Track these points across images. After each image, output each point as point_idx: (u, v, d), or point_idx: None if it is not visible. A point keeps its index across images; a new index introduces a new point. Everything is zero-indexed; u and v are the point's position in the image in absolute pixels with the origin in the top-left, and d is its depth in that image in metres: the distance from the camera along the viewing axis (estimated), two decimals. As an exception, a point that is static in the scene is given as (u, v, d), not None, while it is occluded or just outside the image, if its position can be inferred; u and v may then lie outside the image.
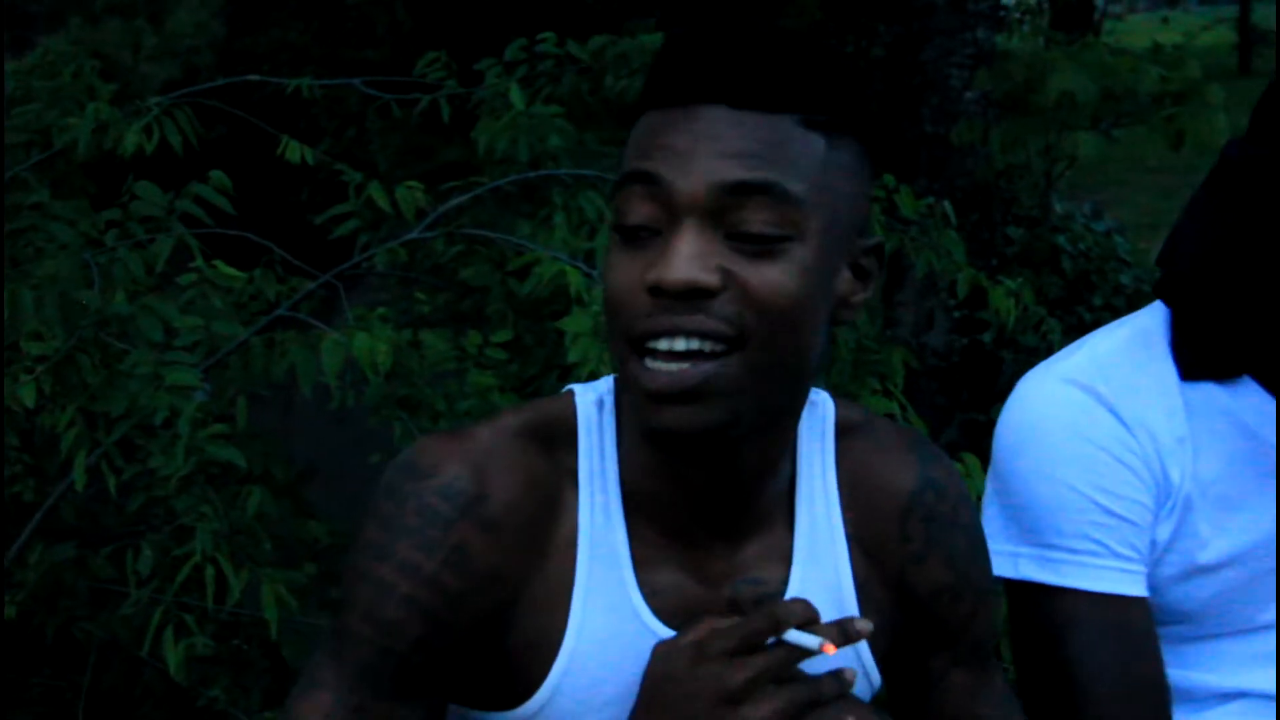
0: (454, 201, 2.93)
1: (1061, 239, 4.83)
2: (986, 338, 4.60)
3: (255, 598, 2.40)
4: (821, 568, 1.17)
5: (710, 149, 1.02)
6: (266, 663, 3.03)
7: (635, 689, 1.09)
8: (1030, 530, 1.39)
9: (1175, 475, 1.38)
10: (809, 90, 1.05)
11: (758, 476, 1.13)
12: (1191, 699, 1.43)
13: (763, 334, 1.02)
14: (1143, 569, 1.38)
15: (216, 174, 2.71)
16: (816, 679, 1.05)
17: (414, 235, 2.81)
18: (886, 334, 4.11)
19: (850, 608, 1.17)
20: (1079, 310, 4.68)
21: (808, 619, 1.04)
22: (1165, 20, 10.45)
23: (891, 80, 5.25)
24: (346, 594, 1.10)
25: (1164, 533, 1.39)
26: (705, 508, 1.12)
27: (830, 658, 1.05)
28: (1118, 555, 1.36)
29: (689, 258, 1.00)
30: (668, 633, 1.11)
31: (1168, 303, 1.42)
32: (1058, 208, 5.03)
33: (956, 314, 4.74)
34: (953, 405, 4.71)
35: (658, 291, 1.01)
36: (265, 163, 3.20)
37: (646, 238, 1.03)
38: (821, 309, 1.06)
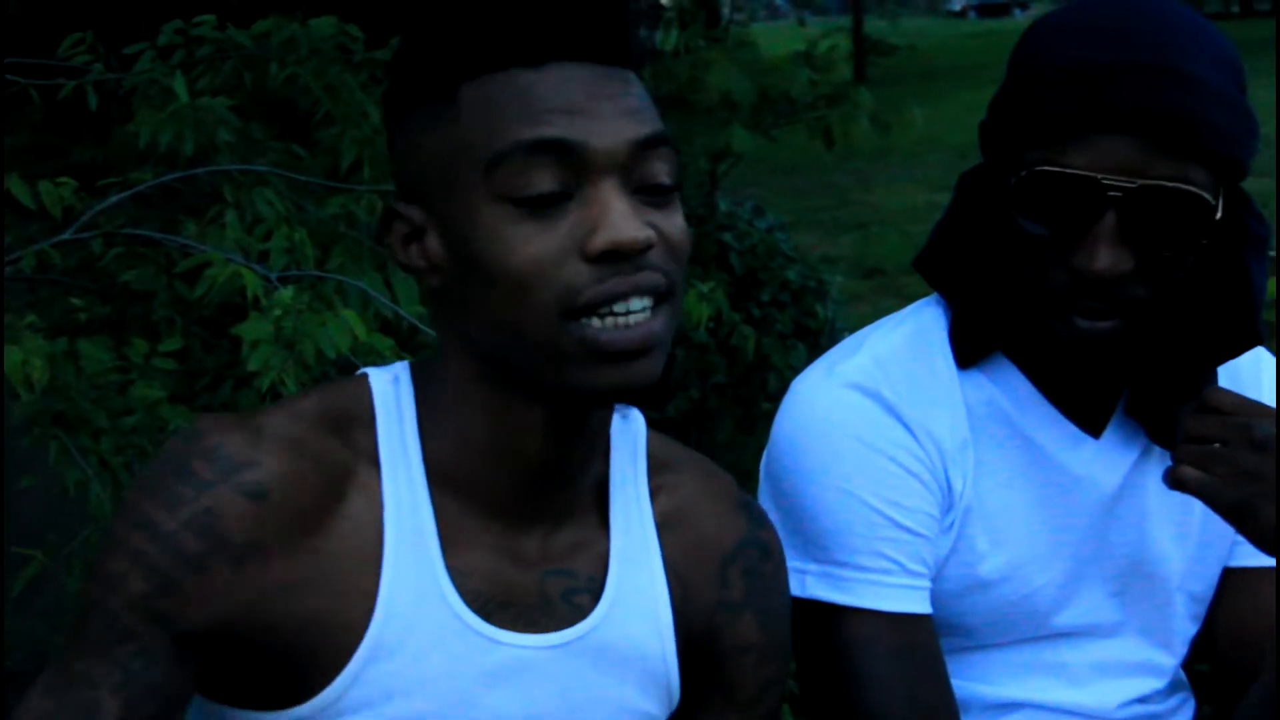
0: (112, 199, 2.66)
1: (728, 236, 4.89)
2: (660, 335, 4.58)
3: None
4: (637, 578, 1.15)
5: (608, 108, 1.02)
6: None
7: (436, 677, 1.07)
8: (818, 546, 1.32)
9: (958, 484, 1.34)
10: (637, 46, 1.07)
11: (589, 450, 1.12)
12: (965, 711, 1.38)
13: (678, 282, 1.05)
14: (929, 585, 1.33)
15: None
16: None
17: (67, 236, 2.53)
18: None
19: (666, 627, 1.15)
20: (748, 306, 4.75)
21: None
22: (802, 23, 10.88)
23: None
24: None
25: (945, 545, 1.34)
26: (531, 485, 1.10)
27: None
28: (909, 572, 1.31)
29: (629, 215, 1.01)
30: (473, 617, 1.08)
31: (920, 271, 1.41)
32: (721, 205, 5.10)
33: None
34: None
35: (608, 256, 1.00)
36: None
37: (559, 204, 1.01)
38: None
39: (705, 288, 2.97)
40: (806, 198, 11.23)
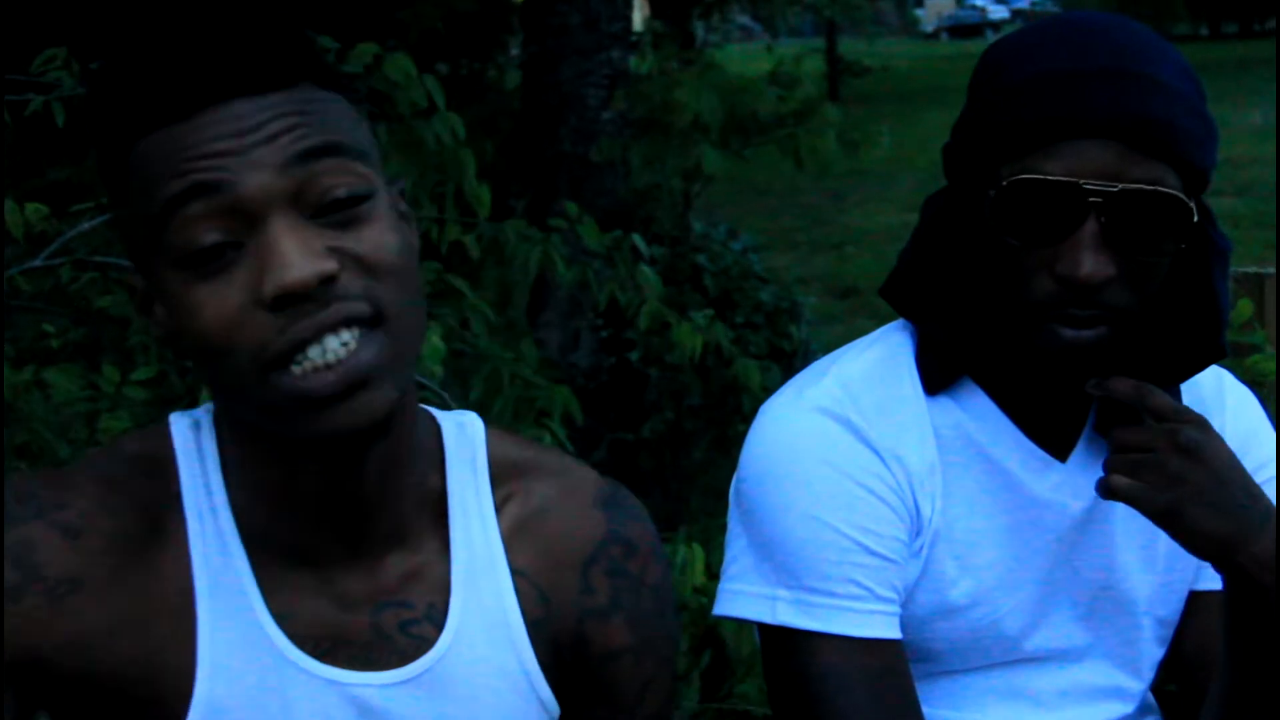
0: (84, 225, 2.64)
1: (702, 258, 4.91)
2: (633, 355, 4.61)
3: None
4: (483, 598, 1.10)
5: (255, 138, 0.94)
6: None
7: None
8: (787, 572, 1.31)
9: (926, 509, 1.34)
10: (308, 53, 0.98)
11: (382, 477, 1.05)
12: None
13: (392, 301, 0.97)
14: (899, 610, 1.33)
15: None
16: None
17: (38, 263, 2.51)
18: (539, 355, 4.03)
19: (521, 643, 1.10)
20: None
21: None
22: (769, 48, 10.95)
23: (530, 100, 5.21)
24: None
25: (914, 570, 1.34)
26: (326, 527, 1.05)
27: None
28: (880, 598, 1.31)
29: (299, 251, 0.93)
30: (305, 659, 1.04)
31: (887, 300, 1.40)
32: (696, 227, 5.11)
33: (604, 334, 4.72)
34: (599, 425, 4.69)
35: (284, 301, 0.93)
36: None
37: (231, 256, 0.95)
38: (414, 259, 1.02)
39: (701, 319, 2.96)
40: (781, 219, 11.26)
